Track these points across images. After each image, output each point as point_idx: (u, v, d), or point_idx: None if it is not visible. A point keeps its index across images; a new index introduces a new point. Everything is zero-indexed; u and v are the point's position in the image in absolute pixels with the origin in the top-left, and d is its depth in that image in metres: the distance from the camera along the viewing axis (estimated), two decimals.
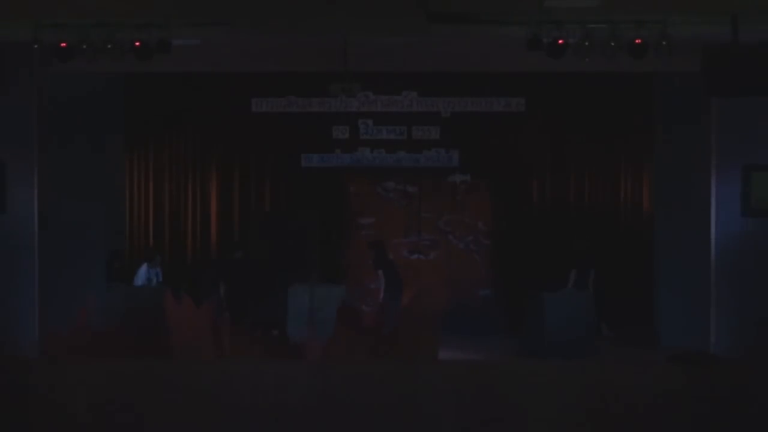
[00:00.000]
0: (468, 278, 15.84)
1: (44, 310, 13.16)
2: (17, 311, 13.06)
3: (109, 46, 11.48)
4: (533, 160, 15.90)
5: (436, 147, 15.91)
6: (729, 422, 7.43)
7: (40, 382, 7.74)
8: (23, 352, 12.40)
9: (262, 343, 11.49)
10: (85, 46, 11.46)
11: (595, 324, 13.56)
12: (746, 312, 12.86)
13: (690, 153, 14.08)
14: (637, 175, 15.74)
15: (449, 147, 15.88)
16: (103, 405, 7.55)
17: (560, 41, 11.35)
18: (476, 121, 15.79)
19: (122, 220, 15.87)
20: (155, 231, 16.03)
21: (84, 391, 7.59)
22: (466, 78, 15.37)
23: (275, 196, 16.13)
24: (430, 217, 16.01)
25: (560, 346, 12.67)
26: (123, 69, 13.03)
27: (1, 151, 13.12)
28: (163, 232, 16.04)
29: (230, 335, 11.80)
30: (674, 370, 8.05)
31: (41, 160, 13.36)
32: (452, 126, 15.83)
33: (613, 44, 11.29)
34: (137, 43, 11.48)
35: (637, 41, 11.27)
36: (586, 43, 11.33)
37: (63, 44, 11.45)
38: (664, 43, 11.23)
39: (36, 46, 11.47)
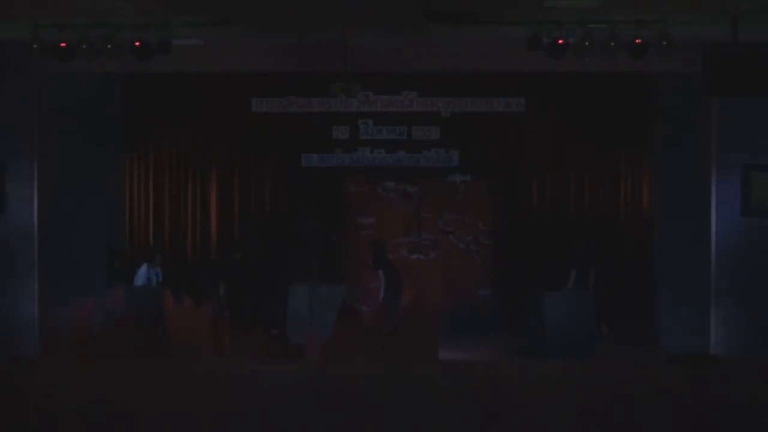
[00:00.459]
0: (468, 278, 15.85)
1: (44, 310, 13.15)
2: (17, 311, 13.05)
3: (108, 46, 11.46)
4: (533, 160, 15.91)
5: (436, 147, 15.91)
6: (729, 422, 7.43)
7: (40, 382, 7.73)
8: (23, 352, 12.41)
9: (262, 343, 11.48)
10: (84, 46, 11.43)
11: (594, 324, 13.55)
12: (746, 312, 12.84)
13: (690, 153, 14.07)
14: (637, 175, 15.74)
15: (449, 147, 15.88)
16: (103, 405, 7.54)
17: (560, 41, 11.33)
18: (476, 121, 15.80)
19: (122, 220, 15.88)
20: (155, 231, 16.04)
21: (84, 391, 7.58)
22: (466, 78, 15.37)
23: (275, 196, 16.13)
24: (430, 217, 16.01)
25: (560, 346, 12.68)
26: (123, 69, 13.05)
27: (1, 151, 13.11)
28: (163, 232, 16.06)
29: (230, 335, 11.82)
30: (673, 371, 8.04)
31: (41, 160, 13.35)
32: (452, 126, 15.83)
33: (613, 44, 11.26)
34: (137, 43, 11.46)
35: (637, 41, 11.24)
36: (586, 43, 11.31)
37: (62, 44, 11.42)
38: (664, 43, 11.20)
39: (35, 46, 11.46)
